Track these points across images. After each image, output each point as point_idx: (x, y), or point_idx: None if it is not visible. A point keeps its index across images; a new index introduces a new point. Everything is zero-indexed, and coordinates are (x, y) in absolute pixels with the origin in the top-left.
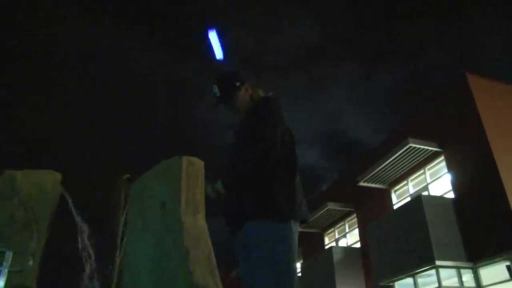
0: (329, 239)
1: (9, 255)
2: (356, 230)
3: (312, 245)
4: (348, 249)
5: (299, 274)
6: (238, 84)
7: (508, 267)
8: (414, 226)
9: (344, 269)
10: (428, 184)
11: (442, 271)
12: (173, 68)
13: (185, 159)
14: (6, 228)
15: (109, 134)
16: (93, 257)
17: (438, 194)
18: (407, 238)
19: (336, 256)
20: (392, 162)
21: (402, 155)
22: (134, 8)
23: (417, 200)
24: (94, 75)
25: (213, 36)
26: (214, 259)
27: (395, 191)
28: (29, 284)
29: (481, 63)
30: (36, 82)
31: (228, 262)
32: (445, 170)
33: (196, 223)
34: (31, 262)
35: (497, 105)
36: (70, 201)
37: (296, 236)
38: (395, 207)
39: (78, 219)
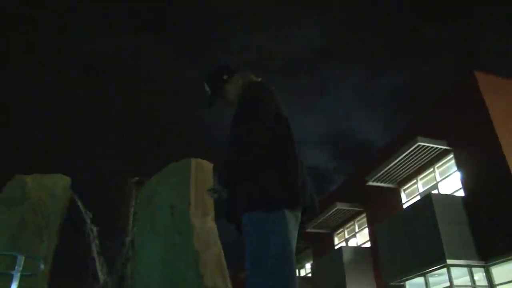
0: (339, 239)
1: (21, 259)
2: (366, 230)
3: (321, 246)
4: (358, 249)
5: (309, 275)
6: (225, 77)
7: None
8: (424, 225)
9: (354, 269)
10: (437, 182)
11: (453, 270)
12: (182, 69)
13: (194, 162)
14: (17, 232)
15: (117, 137)
16: (103, 260)
17: (448, 193)
18: (417, 237)
19: (346, 256)
20: (401, 161)
21: (411, 153)
22: (142, 10)
23: (427, 198)
24: (103, 77)
25: None
26: (224, 261)
27: (404, 190)
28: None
29: (489, 61)
30: (45, 85)
31: (238, 263)
32: (455, 168)
33: (205, 225)
34: (42, 266)
35: (506, 102)
36: (80, 204)
37: (292, 226)
38: (404, 206)
39: (87, 222)
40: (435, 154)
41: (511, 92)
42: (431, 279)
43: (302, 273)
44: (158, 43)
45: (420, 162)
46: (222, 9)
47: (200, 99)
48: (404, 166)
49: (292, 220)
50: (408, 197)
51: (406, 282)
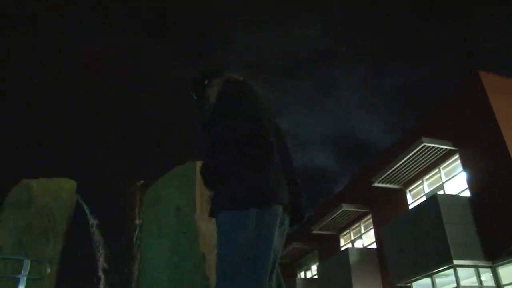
0: (345, 241)
1: (27, 263)
2: (372, 231)
3: (327, 247)
4: (364, 250)
5: (316, 277)
6: (206, 82)
7: None
8: (430, 226)
9: (360, 270)
10: (443, 183)
11: (460, 271)
12: (182, 69)
13: (198, 164)
14: (24, 236)
15: (119, 139)
16: (109, 263)
17: (454, 193)
18: (424, 238)
19: (352, 258)
20: (406, 162)
21: (416, 154)
22: (142, 10)
23: (433, 199)
24: (106, 78)
25: None
26: None
27: (410, 191)
28: None
29: (489, 61)
30: (45, 86)
31: None
32: (460, 168)
33: (211, 227)
34: (49, 270)
35: (511, 102)
36: (85, 208)
37: (266, 225)
38: (410, 207)
39: (93, 225)
40: (441, 154)
41: None
42: (437, 280)
43: (309, 274)
44: (158, 44)
45: (425, 162)
46: (222, 9)
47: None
48: (410, 167)
49: (267, 219)
50: (414, 198)
51: (413, 283)
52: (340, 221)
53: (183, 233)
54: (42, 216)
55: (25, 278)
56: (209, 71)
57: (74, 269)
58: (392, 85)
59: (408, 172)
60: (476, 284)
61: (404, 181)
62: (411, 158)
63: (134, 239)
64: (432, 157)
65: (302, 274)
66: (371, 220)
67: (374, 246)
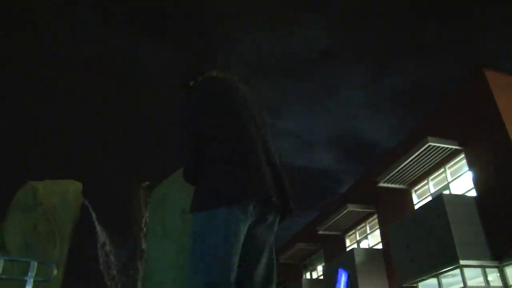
0: (350, 241)
1: (34, 265)
2: (377, 231)
3: (333, 248)
4: (370, 251)
5: (321, 277)
6: (191, 83)
7: None
8: (436, 226)
9: (366, 270)
10: (449, 183)
11: (466, 271)
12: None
13: None
14: (30, 238)
15: (127, 141)
16: (115, 264)
17: (460, 193)
18: (430, 238)
19: (358, 258)
20: (412, 162)
21: (421, 154)
22: (142, 11)
23: (439, 199)
24: (109, 79)
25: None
26: None
27: (415, 191)
28: None
29: (497, 60)
30: (47, 87)
31: None
32: (466, 168)
33: None
34: (55, 272)
35: None
36: (91, 210)
37: (235, 223)
38: (416, 207)
39: (99, 227)
40: (446, 154)
41: None
42: (444, 280)
43: (314, 275)
44: (158, 43)
45: (431, 162)
46: (224, 10)
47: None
48: (415, 167)
49: (235, 217)
50: (420, 198)
51: (419, 284)
52: (345, 221)
53: (188, 234)
54: (48, 218)
55: (32, 280)
56: (195, 72)
57: (80, 270)
58: (396, 85)
59: (413, 172)
60: (483, 284)
61: (409, 181)
62: (417, 158)
63: (140, 241)
64: (437, 157)
65: (308, 275)
66: (376, 220)
67: (379, 246)
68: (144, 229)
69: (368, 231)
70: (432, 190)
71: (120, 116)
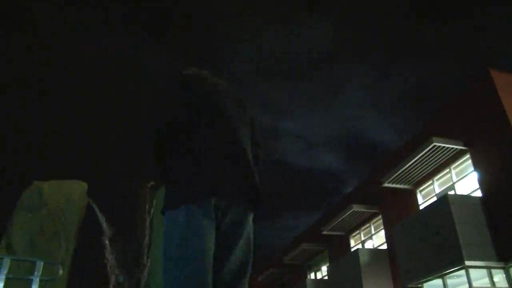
0: (355, 242)
1: (40, 264)
2: (382, 232)
3: (337, 248)
4: (375, 251)
5: (326, 278)
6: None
7: None
8: (441, 226)
9: (371, 271)
10: (454, 183)
11: (472, 272)
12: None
13: None
14: (36, 238)
15: (131, 142)
16: (119, 263)
17: (465, 193)
18: (435, 238)
19: (363, 259)
20: (417, 162)
21: (426, 154)
22: (142, 10)
23: (444, 199)
24: (104, 79)
25: None
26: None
27: (420, 191)
28: None
29: (502, 59)
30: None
31: (254, 267)
32: (471, 168)
33: None
34: (61, 271)
35: None
36: (96, 210)
37: (196, 222)
38: (421, 207)
39: (104, 227)
40: (451, 154)
41: None
42: (449, 281)
43: (319, 276)
44: (160, 43)
45: (436, 162)
46: (225, 10)
47: None
48: (420, 167)
49: (197, 215)
50: (425, 198)
51: (424, 284)
52: (350, 221)
53: None
54: (54, 218)
55: (38, 279)
56: (177, 77)
57: (85, 270)
58: (400, 85)
59: (418, 172)
60: (489, 285)
61: (414, 181)
62: (422, 158)
63: (145, 240)
64: (442, 157)
65: (312, 275)
66: (381, 221)
67: (384, 246)
68: (149, 229)
69: (373, 232)
70: (437, 191)
71: (124, 116)
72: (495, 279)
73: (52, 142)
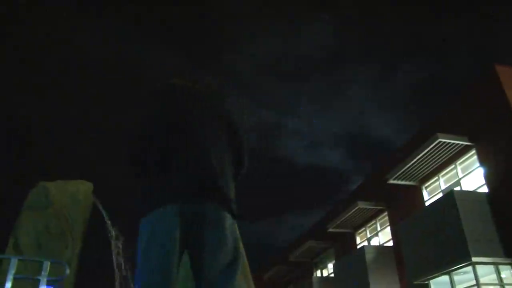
0: (361, 239)
1: (46, 264)
2: (388, 229)
3: (343, 245)
4: (381, 248)
5: (332, 275)
6: None
7: None
8: (447, 223)
9: (377, 268)
10: (460, 179)
11: (479, 268)
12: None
13: None
14: (42, 238)
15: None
16: (126, 264)
17: (471, 189)
18: (441, 234)
19: (369, 256)
20: (422, 158)
21: (431, 150)
22: (147, 13)
23: (450, 196)
24: (106, 79)
25: None
26: (247, 263)
27: (426, 188)
28: None
29: (508, 54)
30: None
31: (260, 265)
32: (477, 164)
33: None
34: (68, 271)
35: None
36: (102, 209)
37: (159, 229)
38: (426, 203)
39: (110, 227)
40: (457, 150)
41: None
42: (456, 278)
43: (325, 273)
44: (167, 47)
45: (441, 159)
46: (232, 10)
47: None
48: (425, 163)
49: (156, 224)
50: (430, 195)
51: (431, 281)
52: (355, 218)
53: None
54: (60, 218)
55: (45, 280)
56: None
57: (92, 270)
58: (405, 82)
59: (424, 168)
60: (496, 281)
61: (420, 178)
62: (427, 154)
63: None
64: (448, 153)
65: (318, 273)
66: (387, 218)
67: (390, 243)
68: None
69: (379, 228)
70: (443, 187)
71: (128, 117)
72: (503, 275)
73: (59, 143)
